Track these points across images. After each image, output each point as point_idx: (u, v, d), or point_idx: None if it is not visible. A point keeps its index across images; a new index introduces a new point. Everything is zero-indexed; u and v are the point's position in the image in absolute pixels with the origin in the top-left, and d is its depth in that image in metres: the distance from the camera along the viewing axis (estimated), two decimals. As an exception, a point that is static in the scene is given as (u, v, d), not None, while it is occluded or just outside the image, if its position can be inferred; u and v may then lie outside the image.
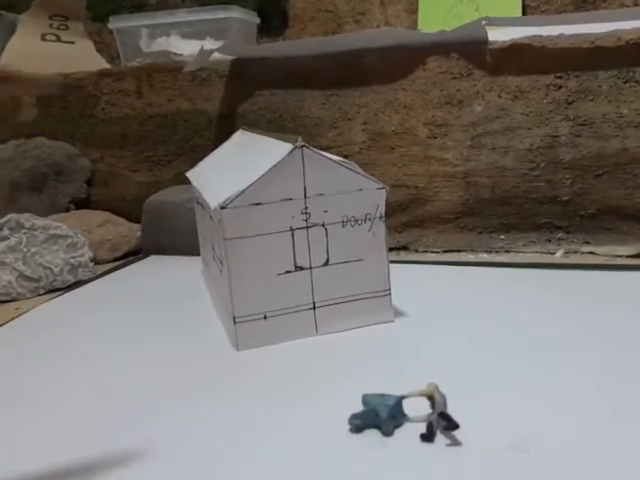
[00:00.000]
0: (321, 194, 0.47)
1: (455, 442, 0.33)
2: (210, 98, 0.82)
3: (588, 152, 0.66)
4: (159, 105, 0.85)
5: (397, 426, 0.35)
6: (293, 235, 0.47)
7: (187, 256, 0.71)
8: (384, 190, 0.49)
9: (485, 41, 0.69)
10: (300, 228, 0.47)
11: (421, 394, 0.36)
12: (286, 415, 0.38)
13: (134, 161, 0.87)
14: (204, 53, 0.78)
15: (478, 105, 0.70)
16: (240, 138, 0.65)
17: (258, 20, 1.01)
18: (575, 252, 0.67)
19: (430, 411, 0.35)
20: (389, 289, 0.50)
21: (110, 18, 0.97)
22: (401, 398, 0.36)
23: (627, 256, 0.63)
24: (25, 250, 0.64)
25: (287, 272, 0.47)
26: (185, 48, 0.91)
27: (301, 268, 0.48)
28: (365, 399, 0.36)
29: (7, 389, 0.44)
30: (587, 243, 0.67)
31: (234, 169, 0.54)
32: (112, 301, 0.61)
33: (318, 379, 0.42)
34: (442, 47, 0.71)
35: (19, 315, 0.58)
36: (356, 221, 0.48)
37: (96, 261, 0.71)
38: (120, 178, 0.87)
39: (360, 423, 0.35)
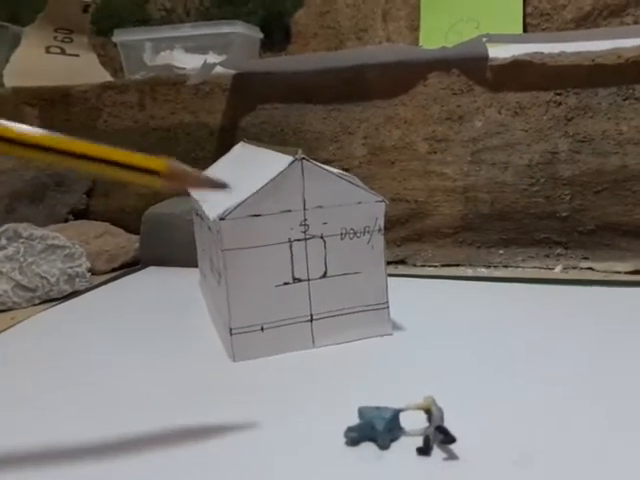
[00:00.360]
0: (320, 206, 0.47)
1: (452, 456, 0.33)
2: (212, 111, 0.83)
3: (587, 168, 0.66)
4: (162, 118, 0.85)
5: (393, 439, 0.35)
6: (291, 247, 0.47)
7: (185, 267, 0.70)
8: (383, 203, 0.49)
9: (486, 57, 0.69)
10: (299, 240, 0.47)
11: (418, 407, 0.35)
12: (281, 427, 0.37)
13: (135, 173, 0.87)
14: (207, 67, 0.78)
15: (478, 121, 0.70)
16: (240, 151, 0.65)
17: (261, 35, 1.02)
18: (574, 268, 0.66)
19: (427, 425, 0.35)
20: (387, 302, 0.50)
21: (114, 32, 0.98)
22: (398, 411, 0.35)
23: (626, 272, 0.63)
24: (22, 260, 0.64)
25: (285, 284, 0.47)
26: (188, 62, 0.92)
27: (299, 280, 0.47)
28: (361, 412, 0.36)
29: (2, 398, 0.43)
30: (586, 259, 0.67)
31: (234, 181, 0.54)
32: (109, 311, 0.61)
33: (314, 391, 0.42)
34: (443, 63, 0.71)
35: (14, 324, 0.58)
36: (355, 234, 0.48)
37: (93, 272, 0.71)
38: (120, 189, 0.87)
39: (356, 436, 0.35)
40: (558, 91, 0.66)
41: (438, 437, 0.33)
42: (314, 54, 0.90)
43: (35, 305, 0.63)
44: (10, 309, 0.62)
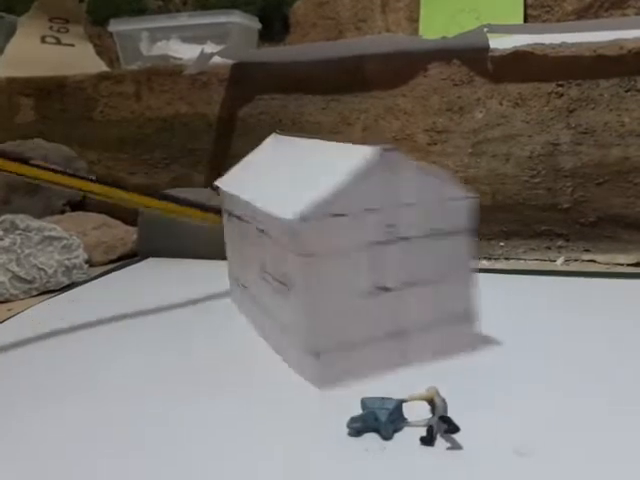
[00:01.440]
0: (408, 204, 0.40)
1: (456, 445, 0.33)
2: (210, 102, 0.82)
3: (589, 160, 0.65)
4: (158, 108, 0.84)
5: (397, 430, 0.34)
6: (376, 251, 0.40)
7: (183, 259, 0.70)
8: (472, 199, 0.43)
9: (486, 48, 0.68)
10: (384, 243, 0.40)
11: (421, 398, 0.35)
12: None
13: (132, 164, 0.86)
14: (204, 57, 0.77)
15: (479, 112, 0.69)
16: (282, 144, 0.56)
17: (259, 25, 1.01)
18: (575, 260, 0.66)
19: (430, 415, 0.34)
20: (475, 311, 0.44)
21: (110, 21, 0.97)
22: (401, 402, 0.35)
23: (628, 264, 0.62)
24: (19, 251, 0.63)
25: (369, 293, 0.40)
26: (185, 52, 0.91)
27: (385, 289, 0.41)
28: (364, 402, 0.35)
29: (1, 390, 0.43)
30: (587, 251, 0.66)
31: (294, 178, 0.46)
32: (107, 303, 0.60)
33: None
34: (443, 54, 0.71)
35: (12, 316, 0.57)
36: (442, 234, 0.42)
37: (91, 263, 0.70)
38: (117, 181, 0.86)
39: (359, 426, 0.34)
40: (560, 82, 0.66)
41: (442, 427, 0.33)
42: (313, 44, 0.89)
43: (32, 297, 0.63)
44: (7, 301, 0.62)
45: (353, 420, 0.34)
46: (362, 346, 0.40)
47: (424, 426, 0.33)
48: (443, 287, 0.42)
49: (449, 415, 0.33)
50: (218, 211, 0.48)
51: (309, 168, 0.45)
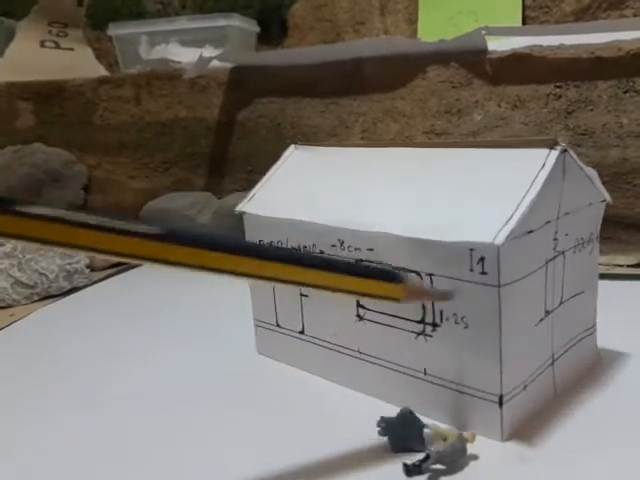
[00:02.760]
0: (567, 213, 0.35)
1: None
2: (209, 106, 0.82)
3: (588, 162, 0.65)
4: (157, 112, 0.85)
5: (408, 449, 0.33)
6: (548, 269, 0.35)
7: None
8: (605, 203, 0.39)
9: (485, 50, 0.69)
10: (552, 259, 0.35)
11: (437, 432, 0.33)
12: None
13: (131, 168, 0.86)
14: (203, 61, 0.78)
15: (478, 114, 0.70)
16: (318, 156, 0.44)
17: (258, 29, 1.01)
18: (575, 262, 0.66)
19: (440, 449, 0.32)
20: (595, 323, 0.41)
21: (109, 25, 0.97)
22: (422, 426, 0.33)
23: (628, 265, 0.63)
24: (20, 256, 0.63)
25: (540, 320, 0.35)
26: (184, 56, 0.91)
27: (547, 312, 0.35)
28: (401, 412, 0.34)
29: (3, 396, 0.43)
30: (587, 253, 0.66)
31: (408, 196, 0.37)
32: (108, 307, 0.60)
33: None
34: (442, 56, 0.71)
35: (14, 322, 0.58)
36: (583, 244, 0.38)
37: (92, 268, 0.70)
38: (117, 185, 0.87)
39: (384, 427, 0.33)
40: (558, 84, 0.66)
41: (447, 460, 0.31)
42: (311, 47, 0.90)
43: (34, 302, 0.63)
44: (9, 306, 0.62)
45: (382, 420, 0.34)
46: (532, 382, 0.35)
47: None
48: (581, 300, 0.38)
49: (448, 462, 0.31)
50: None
51: (428, 183, 0.37)
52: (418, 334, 0.35)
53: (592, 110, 0.65)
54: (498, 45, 0.69)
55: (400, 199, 0.37)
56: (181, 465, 0.33)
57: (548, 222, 0.34)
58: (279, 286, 0.37)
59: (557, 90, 0.66)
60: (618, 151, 0.64)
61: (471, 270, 0.32)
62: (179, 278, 0.67)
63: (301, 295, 0.41)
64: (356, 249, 0.37)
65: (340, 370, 0.40)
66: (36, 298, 0.63)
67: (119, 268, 0.74)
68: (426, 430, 0.33)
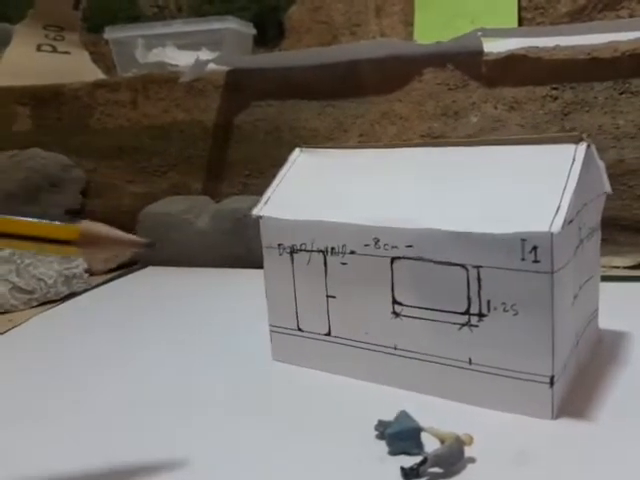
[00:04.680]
0: (586, 203, 0.37)
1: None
2: (206, 109, 0.82)
3: (584, 163, 0.66)
4: (154, 116, 0.85)
5: (404, 452, 0.33)
6: (577, 255, 0.36)
7: (183, 267, 0.70)
8: (605, 195, 0.41)
9: (481, 52, 0.69)
10: (578, 246, 0.37)
11: (436, 434, 0.33)
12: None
13: (129, 172, 0.86)
14: (200, 64, 0.78)
15: (474, 116, 0.70)
16: (326, 158, 0.44)
17: (254, 31, 1.01)
18: (572, 263, 0.67)
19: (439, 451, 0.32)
20: (598, 307, 0.43)
21: (106, 29, 0.97)
22: (419, 429, 0.33)
23: (624, 267, 0.63)
24: (19, 262, 0.63)
25: (571, 304, 0.36)
26: (181, 59, 0.91)
27: (575, 296, 0.37)
28: (399, 414, 0.34)
29: (1, 401, 0.43)
30: (584, 254, 0.67)
31: (451, 188, 0.37)
32: (107, 312, 0.60)
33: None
34: (438, 58, 0.71)
35: (13, 327, 0.58)
36: (592, 232, 0.40)
37: (90, 272, 0.70)
38: (115, 189, 0.87)
39: (381, 431, 0.34)
40: (554, 85, 0.66)
41: (445, 463, 0.31)
42: (308, 50, 0.90)
43: (33, 307, 0.63)
44: (8, 311, 0.62)
45: (380, 424, 0.34)
46: (568, 363, 0.36)
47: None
48: (590, 284, 0.40)
49: (446, 466, 0.31)
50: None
51: (459, 179, 0.38)
52: (462, 325, 0.36)
53: (588, 111, 0.65)
54: (494, 47, 0.69)
55: (434, 195, 0.37)
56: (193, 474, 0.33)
57: (579, 212, 0.36)
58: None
59: (553, 91, 0.66)
60: (614, 152, 0.64)
61: (522, 259, 0.33)
62: (179, 283, 0.68)
63: (327, 297, 0.41)
64: (393, 247, 0.37)
65: (373, 368, 0.40)
66: (35, 303, 0.63)
67: (118, 272, 0.74)
68: (423, 433, 0.33)
